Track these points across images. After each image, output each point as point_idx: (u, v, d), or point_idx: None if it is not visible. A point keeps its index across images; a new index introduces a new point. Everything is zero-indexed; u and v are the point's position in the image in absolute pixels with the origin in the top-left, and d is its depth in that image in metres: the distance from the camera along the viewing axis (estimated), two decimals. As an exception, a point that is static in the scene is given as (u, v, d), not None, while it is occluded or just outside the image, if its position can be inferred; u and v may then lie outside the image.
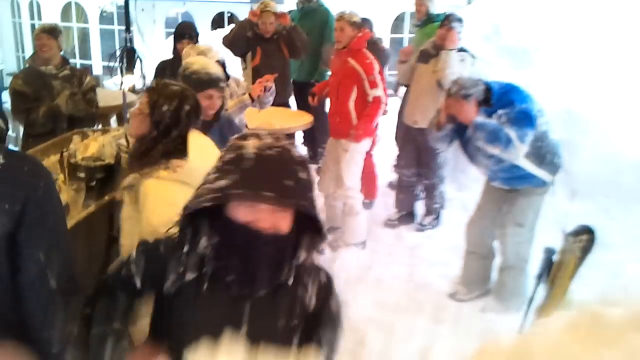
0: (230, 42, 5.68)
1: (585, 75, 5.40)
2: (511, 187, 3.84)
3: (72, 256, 1.80)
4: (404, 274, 4.42)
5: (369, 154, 5.26)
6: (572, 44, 5.78)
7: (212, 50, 3.79)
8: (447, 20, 4.72)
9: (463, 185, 5.52)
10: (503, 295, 3.93)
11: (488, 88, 3.60)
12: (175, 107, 2.28)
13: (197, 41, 4.89)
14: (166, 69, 4.86)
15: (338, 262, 4.52)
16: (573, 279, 3.08)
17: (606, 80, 5.33)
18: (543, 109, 3.65)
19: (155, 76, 5.04)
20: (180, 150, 2.25)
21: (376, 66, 4.58)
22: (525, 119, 3.47)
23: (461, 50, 4.65)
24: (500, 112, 3.53)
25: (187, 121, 2.29)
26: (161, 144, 2.26)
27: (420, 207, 5.32)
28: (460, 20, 4.75)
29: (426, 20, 5.49)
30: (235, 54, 5.77)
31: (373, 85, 4.52)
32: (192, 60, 3.23)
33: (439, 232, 5.06)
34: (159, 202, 2.12)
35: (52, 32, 4.60)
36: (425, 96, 4.79)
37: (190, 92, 2.39)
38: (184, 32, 4.97)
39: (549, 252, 3.24)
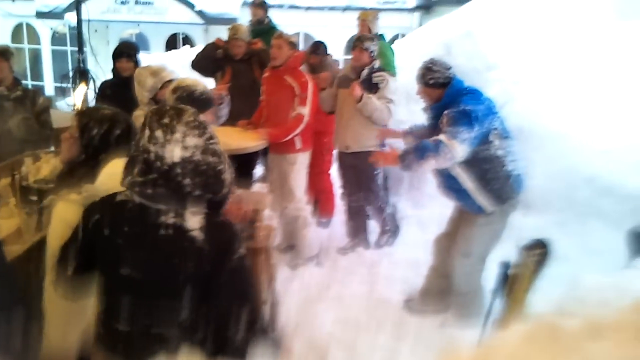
0: (198, 63, 5.64)
1: (538, 91, 5.52)
2: (459, 205, 3.85)
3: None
4: (364, 291, 4.43)
5: (327, 173, 5.28)
6: (524, 62, 5.92)
7: (165, 70, 3.76)
8: (359, 41, 4.79)
9: (419, 202, 5.58)
10: (460, 313, 3.93)
11: (449, 82, 3.66)
12: (105, 131, 2.27)
13: (136, 60, 4.84)
14: (107, 89, 4.82)
15: (297, 280, 4.50)
16: (529, 292, 3.12)
17: (558, 95, 5.46)
18: (509, 135, 3.64)
19: (98, 97, 4.99)
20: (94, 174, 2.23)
21: (311, 86, 4.63)
22: (462, 117, 3.43)
23: (378, 70, 4.74)
24: (445, 111, 3.54)
25: (116, 145, 2.26)
26: (85, 167, 2.25)
27: (373, 227, 5.32)
28: (372, 39, 4.82)
29: None
30: (205, 75, 5.70)
31: (302, 102, 4.57)
32: (189, 81, 3.24)
33: (396, 249, 5.09)
34: (59, 224, 2.13)
35: (3, 54, 4.51)
36: (352, 120, 4.81)
37: (122, 117, 2.38)
38: (122, 51, 4.91)
39: (505, 266, 3.27)
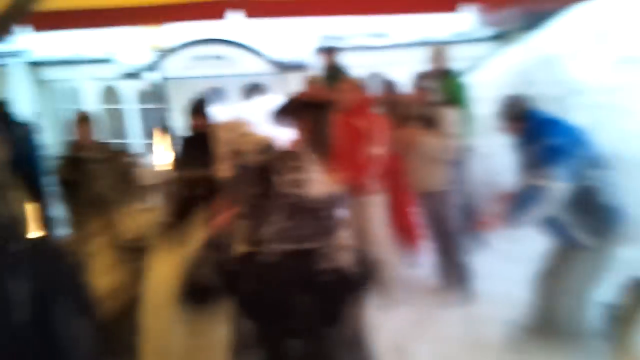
0: (281, 115, 5.73)
1: (626, 115, 5.29)
2: (556, 240, 3.69)
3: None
4: (460, 331, 4.27)
5: (408, 212, 5.20)
6: (608, 85, 5.69)
7: (243, 124, 3.83)
8: (417, 79, 4.96)
9: (512, 236, 5.33)
10: (564, 353, 3.67)
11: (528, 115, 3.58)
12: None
13: (207, 115, 5.01)
14: (184, 145, 4.96)
15: (389, 322, 4.37)
16: (635, 332, 2.93)
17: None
18: (603, 163, 3.48)
19: (177, 152, 5.15)
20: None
21: (382, 126, 4.64)
22: (551, 154, 3.33)
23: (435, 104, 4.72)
24: (530, 149, 3.46)
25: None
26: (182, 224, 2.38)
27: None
28: (429, 76, 4.94)
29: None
30: (285, 125, 5.77)
31: (374, 143, 4.60)
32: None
33: (492, 286, 4.85)
34: (162, 276, 2.25)
35: (85, 119, 4.75)
36: (416, 161, 4.75)
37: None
38: (194, 108, 5.08)
39: (610, 307, 3.10)
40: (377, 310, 4.52)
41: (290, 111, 5.63)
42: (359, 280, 1.81)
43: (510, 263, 5.01)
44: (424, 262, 5.38)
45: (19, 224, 1.59)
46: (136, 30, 9.16)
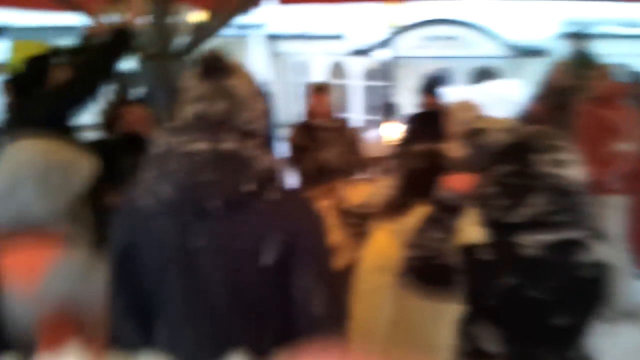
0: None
1: None
2: None
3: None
4: None
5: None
6: None
7: (476, 106, 3.72)
8: None
9: None
10: None
11: None
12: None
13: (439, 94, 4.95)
14: (414, 122, 4.92)
15: (613, 338, 4.02)
16: None
17: None
18: None
19: (406, 130, 5.14)
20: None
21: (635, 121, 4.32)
22: None
23: None
24: None
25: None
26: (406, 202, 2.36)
27: None
28: None
29: None
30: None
31: (623, 138, 4.34)
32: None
33: None
34: (373, 251, 2.39)
35: (322, 89, 4.96)
36: None
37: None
38: (427, 86, 5.06)
39: None
40: (600, 329, 4.20)
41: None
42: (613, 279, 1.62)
43: None
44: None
45: (274, 175, 1.67)
46: (372, 7, 9.32)
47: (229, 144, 1.61)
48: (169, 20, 3.73)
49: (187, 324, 1.71)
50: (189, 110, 1.67)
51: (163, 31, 3.70)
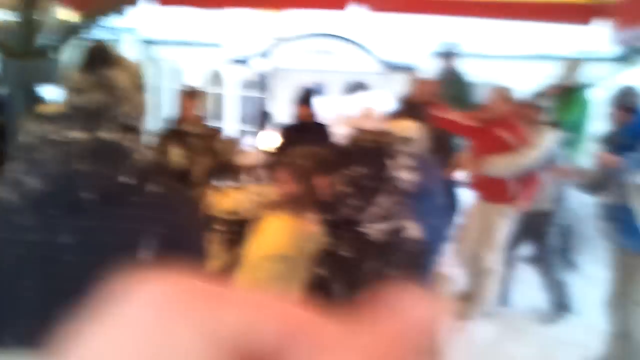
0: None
1: None
2: (620, 247, 3.69)
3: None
4: (536, 353, 4.16)
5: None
6: None
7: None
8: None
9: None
10: None
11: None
12: None
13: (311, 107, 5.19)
14: (289, 132, 5.11)
15: (466, 333, 4.33)
16: None
17: None
18: None
19: (281, 139, 5.29)
20: None
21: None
22: None
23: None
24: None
25: None
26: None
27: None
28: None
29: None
30: None
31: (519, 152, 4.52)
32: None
33: (578, 311, 4.75)
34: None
35: (191, 94, 4.93)
36: None
37: None
38: (302, 98, 5.23)
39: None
40: (460, 320, 4.54)
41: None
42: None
43: (596, 287, 4.83)
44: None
45: (154, 169, 1.64)
46: (252, 18, 9.38)
47: (108, 134, 1.54)
48: (35, 16, 3.58)
49: (44, 327, 1.63)
50: (66, 100, 1.59)
51: (28, 28, 3.54)
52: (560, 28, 6.03)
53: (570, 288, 4.81)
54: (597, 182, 3.80)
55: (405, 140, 2.97)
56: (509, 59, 11.50)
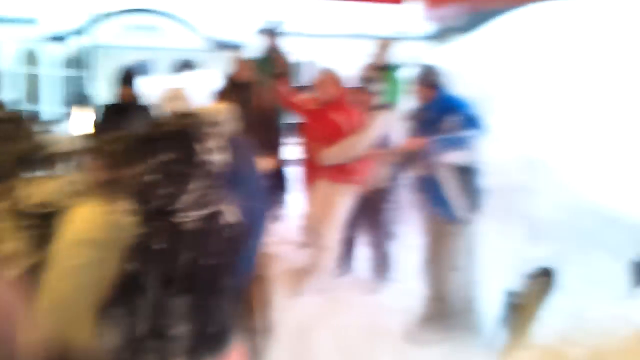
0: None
1: (543, 122, 5.51)
2: (431, 215, 4.05)
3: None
4: (363, 321, 4.33)
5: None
6: (531, 91, 5.91)
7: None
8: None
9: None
10: (459, 333, 3.96)
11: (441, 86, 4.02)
12: None
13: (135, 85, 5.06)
14: (107, 113, 4.88)
15: (296, 309, 4.40)
16: (533, 320, 3.07)
17: (563, 126, 5.45)
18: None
19: (99, 120, 5.04)
20: None
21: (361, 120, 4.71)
22: (473, 121, 3.82)
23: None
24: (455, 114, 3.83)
25: None
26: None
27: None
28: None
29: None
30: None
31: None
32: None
33: (398, 278, 4.98)
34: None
35: None
36: None
37: None
38: (122, 78, 5.04)
39: (510, 295, 3.23)
40: (287, 295, 4.62)
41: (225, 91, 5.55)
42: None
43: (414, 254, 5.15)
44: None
45: None
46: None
47: None
48: None
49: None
50: None
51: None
52: (378, 8, 6.29)
53: (392, 257, 5.07)
54: (408, 160, 4.08)
55: (215, 122, 2.94)
56: (330, 37, 11.87)
